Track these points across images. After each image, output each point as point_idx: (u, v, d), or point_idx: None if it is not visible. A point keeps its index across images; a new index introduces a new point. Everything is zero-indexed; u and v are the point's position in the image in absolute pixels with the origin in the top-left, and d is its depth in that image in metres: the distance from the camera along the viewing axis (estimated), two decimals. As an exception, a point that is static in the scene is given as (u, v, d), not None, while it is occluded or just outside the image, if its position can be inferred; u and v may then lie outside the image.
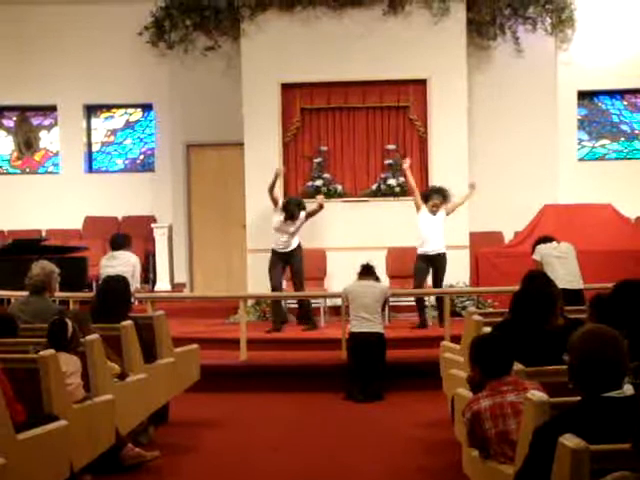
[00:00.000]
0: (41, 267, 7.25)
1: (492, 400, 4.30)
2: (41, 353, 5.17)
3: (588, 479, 2.74)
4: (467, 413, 4.39)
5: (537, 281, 6.19)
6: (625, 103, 15.37)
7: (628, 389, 3.17)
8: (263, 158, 12.91)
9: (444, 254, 11.12)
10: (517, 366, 4.57)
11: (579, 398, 3.27)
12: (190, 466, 6.55)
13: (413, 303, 11.53)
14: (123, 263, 10.14)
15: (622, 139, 15.40)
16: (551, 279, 6.49)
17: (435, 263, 11.13)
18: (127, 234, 11.01)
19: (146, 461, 6.34)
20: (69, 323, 5.77)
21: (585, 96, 15.15)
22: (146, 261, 14.24)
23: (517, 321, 5.38)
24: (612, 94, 15.30)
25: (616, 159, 15.31)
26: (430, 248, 11.07)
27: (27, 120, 16.11)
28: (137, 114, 16.08)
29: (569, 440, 2.92)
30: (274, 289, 11.19)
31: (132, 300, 8.36)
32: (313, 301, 11.62)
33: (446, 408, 6.69)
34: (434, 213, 11.10)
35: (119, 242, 10.58)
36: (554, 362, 4.68)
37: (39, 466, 4.76)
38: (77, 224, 15.25)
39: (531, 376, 4.50)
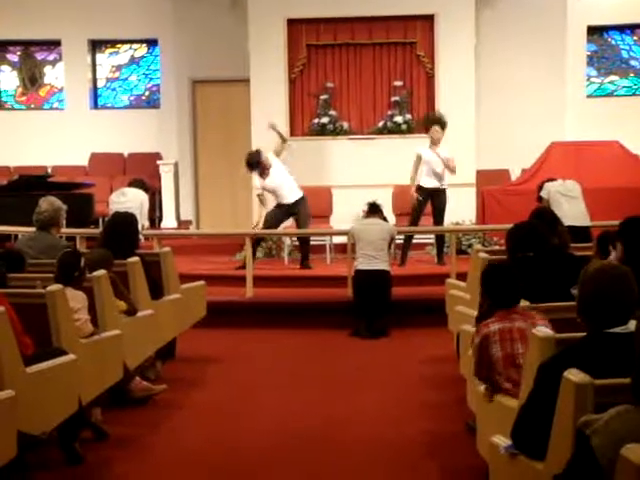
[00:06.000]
0: (49, 203, 7.26)
1: (501, 324, 4.38)
2: (49, 288, 5.19)
3: (592, 413, 2.76)
4: (476, 338, 4.45)
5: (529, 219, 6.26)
6: (635, 38, 15.16)
7: (633, 325, 3.19)
8: (269, 95, 12.84)
9: (444, 190, 10.98)
10: (523, 302, 4.60)
11: (584, 334, 3.29)
12: (197, 400, 6.64)
13: (419, 241, 11.55)
14: (132, 199, 10.10)
15: (632, 75, 15.23)
16: (556, 215, 6.56)
17: (434, 198, 11.02)
18: (145, 180, 10.90)
19: (154, 394, 6.43)
20: (81, 256, 5.80)
21: (595, 31, 14.94)
22: (152, 198, 14.22)
23: (513, 259, 5.46)
24: (622, 29, 15.08)
25: (625, 95, 15.17)
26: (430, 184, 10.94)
27: (32, 55, 15.97)
28: (142, 50, 15.93)
29: (573, 375, 2.95)
30: None
31: (139, 237, 8.37)
32: (319, 239, 11.63)
33: (451, 345, 6.73)
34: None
35: (135, 182, 10.53)
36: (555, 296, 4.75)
37: (48, 399, 4.81)
38: (83, 160, 15.21)
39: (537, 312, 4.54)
